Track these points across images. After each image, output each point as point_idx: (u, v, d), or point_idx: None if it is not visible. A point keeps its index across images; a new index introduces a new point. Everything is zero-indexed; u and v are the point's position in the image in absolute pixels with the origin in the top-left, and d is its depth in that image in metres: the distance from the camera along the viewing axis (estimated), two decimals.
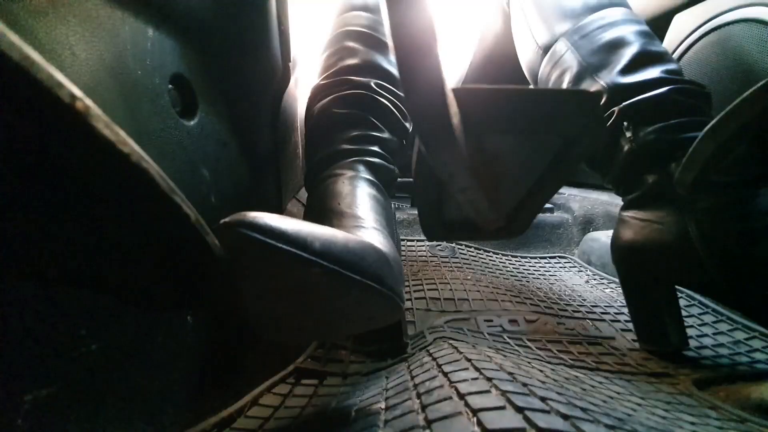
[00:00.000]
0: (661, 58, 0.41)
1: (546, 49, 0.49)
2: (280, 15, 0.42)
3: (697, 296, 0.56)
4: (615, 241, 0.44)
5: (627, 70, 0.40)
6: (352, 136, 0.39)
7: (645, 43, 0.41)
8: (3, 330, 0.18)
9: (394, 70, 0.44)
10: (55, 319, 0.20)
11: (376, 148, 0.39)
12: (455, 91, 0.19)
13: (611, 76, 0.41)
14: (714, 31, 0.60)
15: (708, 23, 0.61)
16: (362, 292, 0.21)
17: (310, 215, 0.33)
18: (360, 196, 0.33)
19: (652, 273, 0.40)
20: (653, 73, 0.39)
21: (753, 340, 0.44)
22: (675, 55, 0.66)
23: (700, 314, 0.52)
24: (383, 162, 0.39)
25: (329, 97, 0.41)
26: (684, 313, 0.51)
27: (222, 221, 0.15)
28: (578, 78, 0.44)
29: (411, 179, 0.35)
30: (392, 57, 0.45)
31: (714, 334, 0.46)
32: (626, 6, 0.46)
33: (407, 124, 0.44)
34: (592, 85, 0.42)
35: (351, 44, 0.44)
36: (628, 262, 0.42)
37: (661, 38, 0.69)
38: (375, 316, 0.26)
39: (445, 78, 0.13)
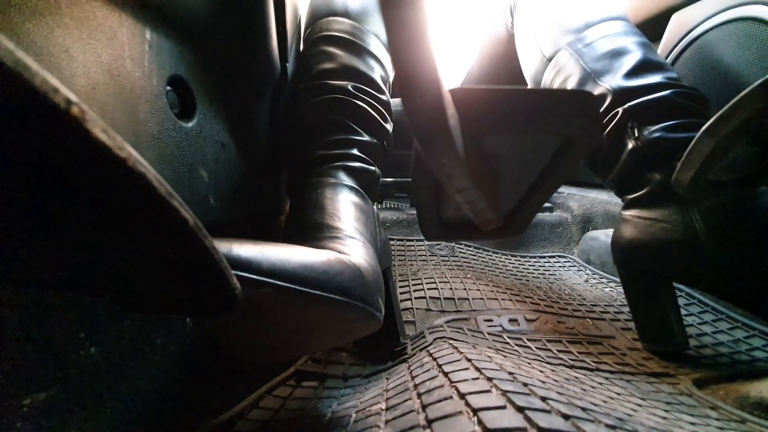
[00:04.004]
0: (661, 66, 0.43)
1: (551, 59, 0.51)
2: (278, 16, 0.42)
3: (697, 294, 0.56)
4: (617, 240, 0.44)
5: (630, 74, 0.42)
6: (330, 141, 0.38)
7: (646, 52, 0.44)
8: (1, 333, 0.18)
9: (373, 74, 0.43)
10: (53, 322, 0.20)
11: (354, 152, 0.39)
12: (453, 91, 0.19)
13: (615, 79, 0.43)
14: (712, 29, 0.60)
15: (706, 22, 0.61)
16: (328, 307, 0.21)
17: (290, 227, 0.33)
18: (338, 204, 0.33)
19: (656, 272, 0.40)
20: (656, 78, 0.41)
21: (753, 339, 0.44)
22: (673, 53, 0.66)
23: (699, 313, 0.52)
24: (363, 165, 0.38)
25: (306, 104, 0.40)
26: (683, 311, 0.51)
27: None
28: (581, 82, 0.46)
29: (410, 179, 0.34)
30: (372, 61, 0.44)
31: (714, 332, 0.46)
32: (626, 19, 0.49)
33: (387, 126, 0.44)
34: (595, 89, 0.44)
35: (329, 48, 0.43)
36: (633, 261, 0.42)
37: (660, 36, 0.69)
38: (350, 329, 0.25)
39: (442, 78, 0.13)
